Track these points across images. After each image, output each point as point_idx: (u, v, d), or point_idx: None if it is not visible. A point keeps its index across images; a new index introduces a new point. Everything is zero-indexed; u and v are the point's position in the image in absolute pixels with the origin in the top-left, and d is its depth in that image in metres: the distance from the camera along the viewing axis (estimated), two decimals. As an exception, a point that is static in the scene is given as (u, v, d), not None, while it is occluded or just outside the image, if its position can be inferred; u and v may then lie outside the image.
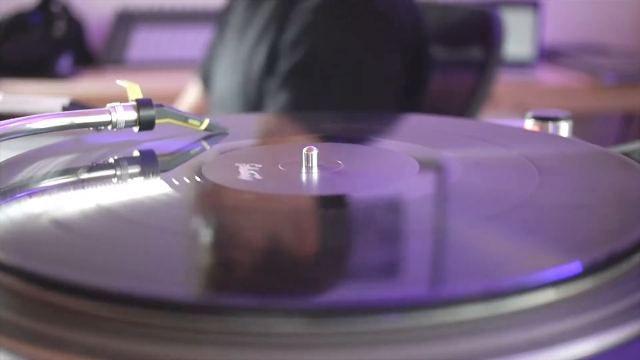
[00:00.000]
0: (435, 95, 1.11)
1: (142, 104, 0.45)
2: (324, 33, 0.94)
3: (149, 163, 0.45)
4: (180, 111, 0.47)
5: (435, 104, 1.05)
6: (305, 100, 0.91)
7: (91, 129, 0.44)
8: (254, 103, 0.96)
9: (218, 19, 1.16)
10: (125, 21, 1.77)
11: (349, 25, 0.95)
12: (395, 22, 0.97)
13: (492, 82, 1.04)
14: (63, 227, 0.33)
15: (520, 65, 1.78)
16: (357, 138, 0.48)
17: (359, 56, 0.95)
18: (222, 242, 0.32)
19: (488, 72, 1.03)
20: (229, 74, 1.02)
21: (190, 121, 0.48)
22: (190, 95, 1.20)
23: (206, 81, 1.14)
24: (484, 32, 1.04)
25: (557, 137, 0.50)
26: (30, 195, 0.37)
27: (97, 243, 0.32)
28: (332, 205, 0.37)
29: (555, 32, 1.93)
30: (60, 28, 1.70)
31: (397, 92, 0.98)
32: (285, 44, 0.94)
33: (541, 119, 0.52)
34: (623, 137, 1.91)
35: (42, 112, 0.43)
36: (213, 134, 0.49)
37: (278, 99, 0.91)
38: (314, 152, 0.40)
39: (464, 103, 1.03)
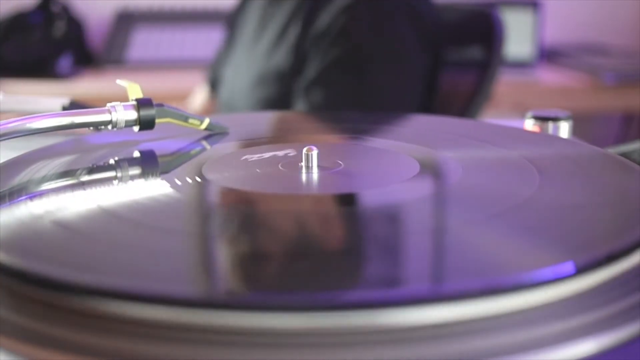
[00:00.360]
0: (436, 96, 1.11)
1: (142, 103, 0.45)
2: (359, 31, 0.95)
3: (149, 163, 0.45)
4: (180, 110, 0.47)
5: (436, 105, 1.06)
6: (340, 97, 0.92)
7: (91, 128, 0.44)
8: (273, 101, 0.97)
9: (228, 20, 1.16)
10: (125, 21, 1.77)
11: (382, 23, 0.95)
12: (423, 22, 0.98)
13: (493, 82, 1.04)
14: (63, 227, 0.33)
15: (520, 65, 1.78)
16: (357, 138, 0.48)
17: (393, 55, 0.96)
18: (223, 242, 0.32)
19: (489, 72, 1.03)
20: (241, 74, 1.02)
21: (191, 121, 0.48)
22: (198, 97, 1.20)
23: (214, 83, 1.14)
24: (484, 32, 1.04)
25: (556, 138, 0.50)
26: (30, 195, 0.37)
27: (97, 243, 0.32)
28: (332, 205, 0.37)
29: (555, 32, 1.93)
30: (60, 28, 1.70)
31: (423, 91, 0.99)
32: (316, 43, 0.94)
33: (541, 119, 0.52)
34: (623, 137, 1.91)
35: (42, 112, 0.43)
36: (213, 134, 0.49)
37: (312, 95, 0.92)
38: (314, 152, 0.40)
39: (465, 103, 1.03)
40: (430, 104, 1.02)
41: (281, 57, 0.97)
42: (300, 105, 0.93)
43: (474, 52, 1.08)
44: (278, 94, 0.97)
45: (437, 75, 1.03)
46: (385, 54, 0.96)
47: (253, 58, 1.01)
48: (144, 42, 1.72)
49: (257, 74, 0.99)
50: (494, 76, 1.04)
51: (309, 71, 0.95)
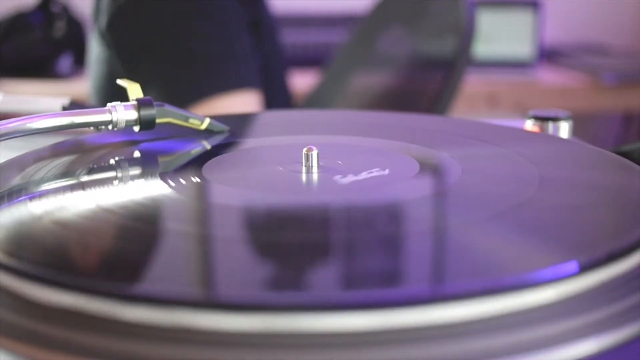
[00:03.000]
0: (400, 93, 1.10)
1: (142, 103, 0.45)
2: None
3: (150, 163, 0.45)
4: (180, 110, 0.47)
5: (399, 101, 1.04)
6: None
7: (91, 128, 0.44)
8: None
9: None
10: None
11: None
12: None
13: (462, 77, 1.00)
14: (63, 227, 0.33)
15: (520, 65, 1.78)
16: (357, 138, 0.48)
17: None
18: (222, 242, 0.32)
19: (457, 67, 0.99)
20: None
21: (191, 120, 0.48)
22: None
23: None
24: (454, 22, 1.00)
25: (556, 138, 0.50)
26: (30, 195, 0.37)
27: (97, 243, 0.32)
28: (332, 205, 0.37)
29: (555, 32, 1.93)
30: (60, 28, 1.70)
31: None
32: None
33: (541, 119, 0.52)
34: (623, 137, 1.91)
35: (42, 112, 0.43)
36: (214, 134, 0.49)
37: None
38: (314, 152, 0.40)
39: (432, 101, 1.00)
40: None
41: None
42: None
43: (443, 44, 1.04)
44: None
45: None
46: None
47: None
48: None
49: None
50: (463, 71, 1.00)
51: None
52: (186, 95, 0.88)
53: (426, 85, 1.06)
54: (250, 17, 1.01)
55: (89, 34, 1.07)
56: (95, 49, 0.99)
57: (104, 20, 0.94)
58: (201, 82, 0.89)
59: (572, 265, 0.28)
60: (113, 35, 0.94)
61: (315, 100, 1.26)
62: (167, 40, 0.92)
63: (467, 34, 0.99)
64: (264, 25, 1.07)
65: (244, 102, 0.90)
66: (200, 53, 0.90)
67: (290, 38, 1.69)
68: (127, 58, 0.94)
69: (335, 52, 1.35)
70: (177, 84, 0.90)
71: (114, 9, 0.93)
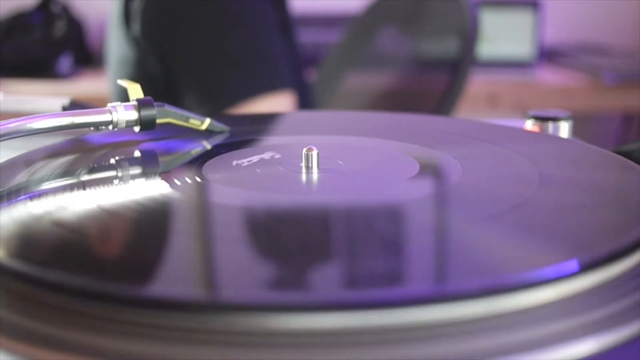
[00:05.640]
0: (401, 93, 1.09)
1: (143, 103, 0.45)
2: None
3: (150, 163, 0.45)
4: (181, 110, 0.47)
5: (407, 102, 1.04)
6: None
7: (92, 128, 0.44)
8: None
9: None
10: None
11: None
12: None
13: (466, 78, 1.00)
14: (63, 228, 0.33)
15: (520, 65, 1.78)
16: (357, 137, 0.48)
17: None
18: (223, 241, 0.32)
19: (462, 67, 0.99)
20: None
21: (192, 121, 0.48)
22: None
23: None
24: (458, 23, 1.00)
25: (556, 138, 0.50)
26: (30, 195, 0.37)
27: (98, 243, 0.32)
28: (332, 205, 0.37)
29: (555, 32, 1.93)
30: (60, 28, 1.70)
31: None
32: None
33: (541, 119, 0.52)
34: (623, 137, 1.91)
35: (42, 112, 0.43)
36: (214, 134, 0.49)
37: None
38: (314, 152, 0.40)
39: (437, 102, 1.00)
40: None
41: None
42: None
43: (447, 45, 1.04)
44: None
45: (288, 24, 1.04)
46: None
47: None
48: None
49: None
50: (468, 72, 1.00)
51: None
52: (227, 98, 0.90)
53: (429, 86, 1.06)
54: (280, 17, 1.02)
55: (106, 36, 1.08)
56: (119, 51, 0.99)
57: (137, 25, 0.95)
58: (240, 85, 0.90)
59: (572, 265, 0.28)
60: (149, 40, 0.95)
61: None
62: (204, 44, 0.94)
63: (471, 36, 0.99)
64: (291, 25, 1.08)
65: (281, 103, 0.92)
66: (237, 55, 0.92)
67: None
68: (166, 62, 0.96)
69: (328, 52, 1.35)
70: (216, 87, 0.91)
71: (149, 14, 0.94)
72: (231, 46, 0.92)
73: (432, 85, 1.06)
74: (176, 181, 0.38)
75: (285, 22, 1.05)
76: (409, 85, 1.12)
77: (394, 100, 1.11)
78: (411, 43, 1.14)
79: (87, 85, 1.57)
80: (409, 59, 1.14)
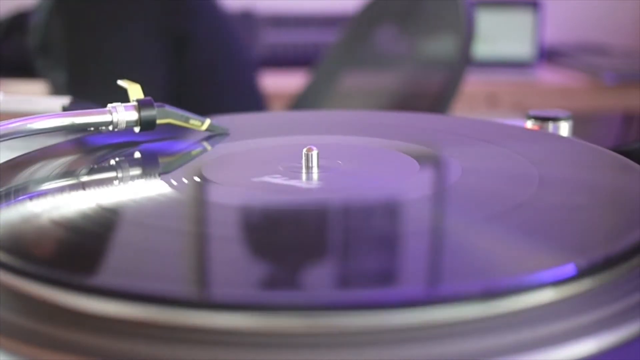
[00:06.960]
0: (397, 93, 1.09)
1: (143, 104, 0.45)
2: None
3: (150, 164, 0.45)
4: (181, 111, 0.47)
5: (404, 101, 1.04)
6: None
7: (92, 129, 0.44)
8: None
9: None
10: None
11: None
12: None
13: (463, 77, 1.00)
14: (63, 227, 0.33)
15: (520, 65, 1.78)
16: (357, 137, 0.48)
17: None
18: (223, 241, 0.32)
19: (458, 66, 0.99)
20: None
21: (192, 121, 0.48)
22: None
23: None
24: (453, 21, 1.00)
25: (556, 137, 0.50)
26: (30, 195, 0.37)
27: (97, 243, 0.32)
28: (331, 205, 0.37)
29: (555, 32, 1.93)
30: (60, 28, 1.70)
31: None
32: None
33: (541, 119, 0.52)
34: (623, 137, 1.91)
35: (42, 112, 0.43)
36: (214, 135, 0.49)
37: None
38: (314, 152, 0.40)
39: (432, 103, 1.00)
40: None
41: None
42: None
43: (443, 44, 1.04)
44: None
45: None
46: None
47: None
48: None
49: None
50: (463, 72, 1.00)
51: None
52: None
53: (425, 85, 1.06)
54: (175, 31, 1.09)
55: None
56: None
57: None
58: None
59: (572, 265, 0.28)
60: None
61: (305, 100, 1.26)
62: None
63: (466, 34, 0.99)
64: (194, 39, 1.13)
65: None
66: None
67: (280, 38, 1.69)
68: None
69: (325, 51, 1.35)
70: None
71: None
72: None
73: (429, 84, 1.06)
74: (174, 182, 0.39)
75: (183, 37, 1.14)
76: (406, 84, 1.12)
77: (392, 99, 1.11)
78: (408, 42, 1.14)
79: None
80: (406, 58, 1.14)
